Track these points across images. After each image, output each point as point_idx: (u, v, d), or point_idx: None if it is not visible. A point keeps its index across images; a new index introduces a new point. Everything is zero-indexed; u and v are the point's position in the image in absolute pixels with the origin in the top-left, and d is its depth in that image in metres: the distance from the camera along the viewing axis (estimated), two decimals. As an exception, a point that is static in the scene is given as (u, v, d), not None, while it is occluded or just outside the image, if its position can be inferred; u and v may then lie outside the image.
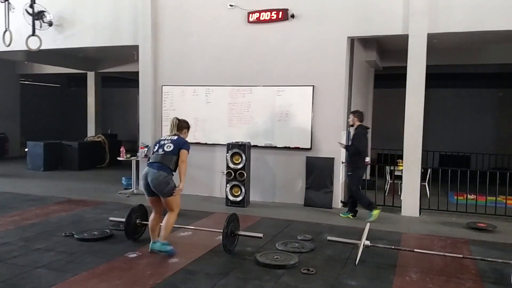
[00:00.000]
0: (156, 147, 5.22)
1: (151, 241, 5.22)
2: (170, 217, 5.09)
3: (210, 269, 4.71)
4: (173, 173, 5.06)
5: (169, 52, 9.13)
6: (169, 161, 5.02)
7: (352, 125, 7.32)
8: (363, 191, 7.48)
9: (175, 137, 5.22)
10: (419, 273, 4.75)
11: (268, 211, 7.77)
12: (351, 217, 7.30)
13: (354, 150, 7.15)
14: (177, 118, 5.37)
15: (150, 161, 5.15)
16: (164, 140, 5.23)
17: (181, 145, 5.12)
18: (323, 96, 8.05)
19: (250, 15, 8.38)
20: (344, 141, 8.12)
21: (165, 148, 5.10)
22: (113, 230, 6.01)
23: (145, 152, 9.13)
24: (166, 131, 9.01)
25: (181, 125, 5.35)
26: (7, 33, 9.21)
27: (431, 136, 12.85)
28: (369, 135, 7.77)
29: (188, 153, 5.16)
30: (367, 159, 7.34)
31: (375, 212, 7.05)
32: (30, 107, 17.33)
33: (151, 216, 5.29)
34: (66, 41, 10.06)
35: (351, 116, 7.34)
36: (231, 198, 8.09)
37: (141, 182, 5.33)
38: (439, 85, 13.25)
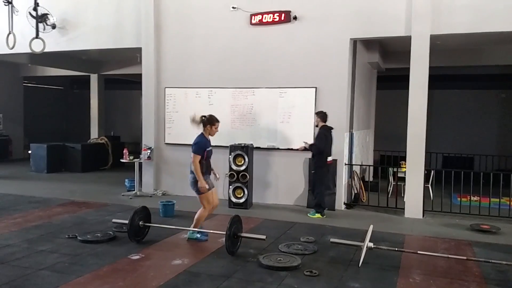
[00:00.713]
0: None
1: None
2: (200, 211, 5.83)
3: (213, 271, 4.71)
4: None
5: (172, 54, 9.16)
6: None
7: (317, 125, 7.59)
8: (328, 191, 7.78)
9: (194, 139, 5.69)
10: (422, 275, 4.74)
11: (271, 213, 7.76)
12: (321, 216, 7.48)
13: (316, 150, 7.38)
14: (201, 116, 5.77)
15: None
16: None
17: (192, 147, 5.65)
18: (326, 98, 8.04)
19: (253, 17, 8.39)
20: (347, 143, 8.17)
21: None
22: (116, 232, 6.02)
23: (148, 154, 9.14)
24: (169, 133, 9.13)
25: (203, 122, 5.78)
26: (11, 35, 9.25)
27: (434, 137, 12.82)
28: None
29: (198, 153, 5.59)
30: (329, 158, 7.52)
31: (317, 216, 7.42)
32: (34, 109, 17.38)
33: None
34: (69, 43, 10.10)
35: (315, 116, 7.64)
36: (233, 200, 8.09)
37: None
38: (442, 86, 13.21)
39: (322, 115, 7.48)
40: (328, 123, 7.95)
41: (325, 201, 7.59)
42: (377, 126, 12.31)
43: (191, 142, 5.73)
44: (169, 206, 7.34)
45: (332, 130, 7.52)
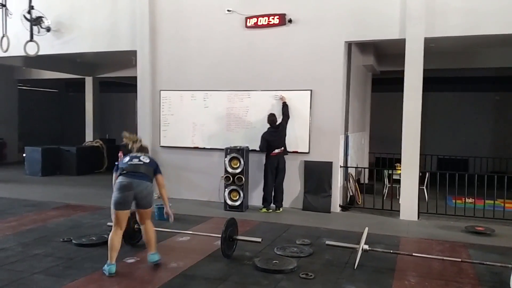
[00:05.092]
0: None
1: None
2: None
3: (208, 274, 4.71)
4: None
5: (167, 57, 9.15)
6: None
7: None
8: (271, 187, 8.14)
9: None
10: (417, 277, 4.75)
11: (267, 215, 7.76)
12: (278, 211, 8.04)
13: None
14: None
15: None
16: None
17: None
18: (321, 100, 8.06)
19: (248, 20, 8.40)
20: (342, 146, 8.23)
21: None
22: (111, 235, 5.99)
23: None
24: (165, 136, 9.11)
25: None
26: (5, 38, 9.18)
27: (429, 140, 12.87)
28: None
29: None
30: (276, 150, 7.97)
31: (264, 210, 8.03)
32: (28, 112, 17.30)
33: None
34: (64, 46, 10.07)
35: None
36: (229, 202, 8.08)
37: None
38: (437, 89, 13.28)
39: (267, 117, 8.04)
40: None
41: (270, 196, 8.05)
42: (372, 128, 12.36)
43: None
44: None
45: (276, 129, 7.96)
